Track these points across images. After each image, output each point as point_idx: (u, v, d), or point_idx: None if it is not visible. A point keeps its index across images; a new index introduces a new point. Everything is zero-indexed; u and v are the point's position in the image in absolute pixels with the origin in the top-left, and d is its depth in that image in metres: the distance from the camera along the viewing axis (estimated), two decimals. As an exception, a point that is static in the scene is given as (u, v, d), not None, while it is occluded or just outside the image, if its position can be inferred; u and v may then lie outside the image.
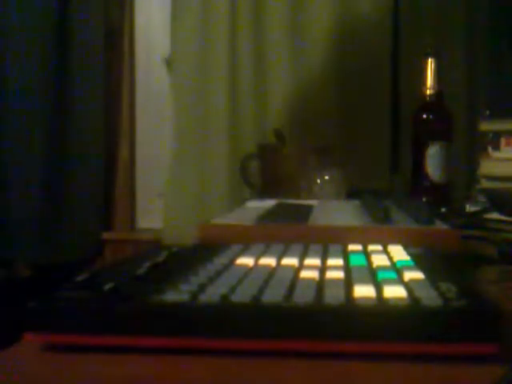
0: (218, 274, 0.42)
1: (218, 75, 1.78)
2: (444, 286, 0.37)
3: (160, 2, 1.97)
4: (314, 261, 0.46)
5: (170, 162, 1.82)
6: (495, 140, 1.13)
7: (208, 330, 0.34)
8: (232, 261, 0.47)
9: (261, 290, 0.37)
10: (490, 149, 1.15)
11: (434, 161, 1.09)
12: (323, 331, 0.33)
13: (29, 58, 1.85)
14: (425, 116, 1.13)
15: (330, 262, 0.46)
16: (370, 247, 0.53)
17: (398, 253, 0.50)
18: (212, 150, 1.79)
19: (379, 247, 0.53)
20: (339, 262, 0.46)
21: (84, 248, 1.91)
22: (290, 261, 0.46)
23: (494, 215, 0.97)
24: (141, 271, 0.42)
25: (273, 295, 0.35)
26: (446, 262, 0.48)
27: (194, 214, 1.77)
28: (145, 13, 2.00)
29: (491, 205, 1.01)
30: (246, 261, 0.47)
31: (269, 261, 0.47)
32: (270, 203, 0.89)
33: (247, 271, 0.43)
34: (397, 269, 0.43)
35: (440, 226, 0.65)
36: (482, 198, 1.09)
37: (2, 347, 0.35)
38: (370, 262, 0.46)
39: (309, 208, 0.83)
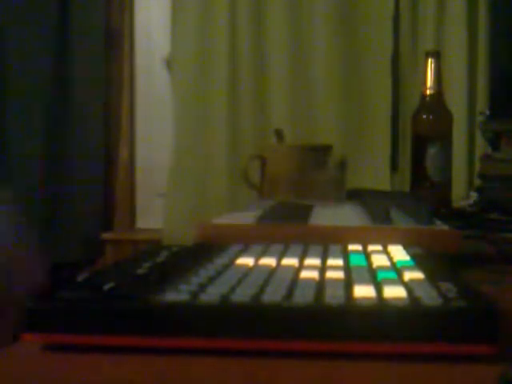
0: (218, 273, 0.42)
1: (218, 75, 1.78)
2: (444, 285, 0.37)
3: (160, 1, 1.97)
4: (314, 261, 0.46)
5: (170, 162, 1.82)
6: (495, 140, 1.13)
7: (208, 330, 0.34)
8: (232, 261, 0.47)
9: (261, 290, 0.37)
10: (489, 149, 1.15)
11: (433, 161, 1.09)
12: (323, 331, 0.33)
13: (29, 59, 1.85)
14: (425, 116, 1.13)
15: (330, 262, 0.46)
16: (370, 247, 0.53)
17: (398, 253, 0.50)
18: (212, 150, 1.79)
19: (379, 247, 0.53)
20: (339, 262, 0.46)
21: (84, 248, 1.91)
22: (290, 261, 0.46)
23: (494, 215, 0.97)
24: (141, 271, 0.42)
25: (273, 295, 0.35)
26: (446, 262, 0.48)
27: (194, 214, 1.77)
28: (145, 13, 2.00)
29: (491, 205, 1.01)
30: (246, 261, 0.47)
31: (269, 261, 0.47)
32: (270, 203, 0.89)
33: (247, 271, 0.43)
34: (397, 269, 0.43)
35: (440, 226, 0.65)
36: (481, 198, 1.09)
37: (2, 347, 0.35)
38: (370, 262, 0.46)
39: (309, 208, 0.83)
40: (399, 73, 1.74)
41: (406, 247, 0.53)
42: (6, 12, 1.84)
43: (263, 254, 0.50)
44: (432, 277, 0.40)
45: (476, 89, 1.73)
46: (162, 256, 0.49)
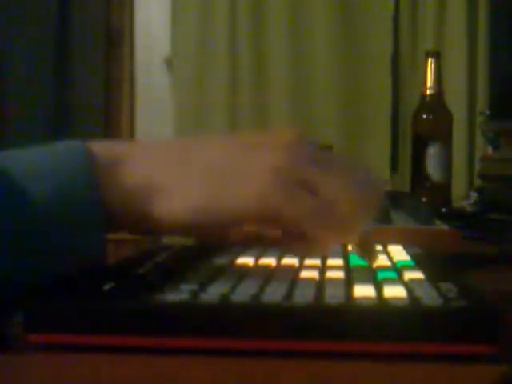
0: (218, 273, 0.42)
1: (217, 75, 1.79)
2: (444, 286, 0.37)
3: (160, 1, 1.97)
4: (314, 261, 0.46)
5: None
6: (495, 140, 1.13)
7: (208, 330, 0.34)
8: (232, 261, 0.47)
9: (261, 290, 0.36)
10: (489, 149, 1.15)
11: (433, 161, 1.09)
12: (323, 331, 0.33)
13: (30, 58, 1.84)
14: (425, 116, 1.13)
15: (330, 262, 0.46)
16: (370, 247, 0.53)
17: (398, 253, 0.50)
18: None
19: (379, 247, 0.53)
20: (339, 262, 0.46)
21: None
22: (290, 261, 0.46)
23: (494, 215, 0.97)
24: (141, 271, 0.42)
25: (273, 295, 0.35)
26: (446, 262, 0.48)
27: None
28: (145, 13, 2.00)
29: (491, 205, 1.01)
30: (246, 261, 0.47)
31: (269, 261, 0.47)
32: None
33: (247, 271, 0.43)
34: (397, 269, 0.43)
35: (440, 225, 0.65)
36: (481, 198, 1.09)
37: (2, 347, 0.35)
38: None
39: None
40: (399, 73, 1.74)
41: (405, 247, 0.53)
42: (6, 12, 1.84)
43: (263, 254, 0.50)
44: (432, 277, 0.40)
45: (476, 89, 1.73)
46: (162, 256, 0.48)
